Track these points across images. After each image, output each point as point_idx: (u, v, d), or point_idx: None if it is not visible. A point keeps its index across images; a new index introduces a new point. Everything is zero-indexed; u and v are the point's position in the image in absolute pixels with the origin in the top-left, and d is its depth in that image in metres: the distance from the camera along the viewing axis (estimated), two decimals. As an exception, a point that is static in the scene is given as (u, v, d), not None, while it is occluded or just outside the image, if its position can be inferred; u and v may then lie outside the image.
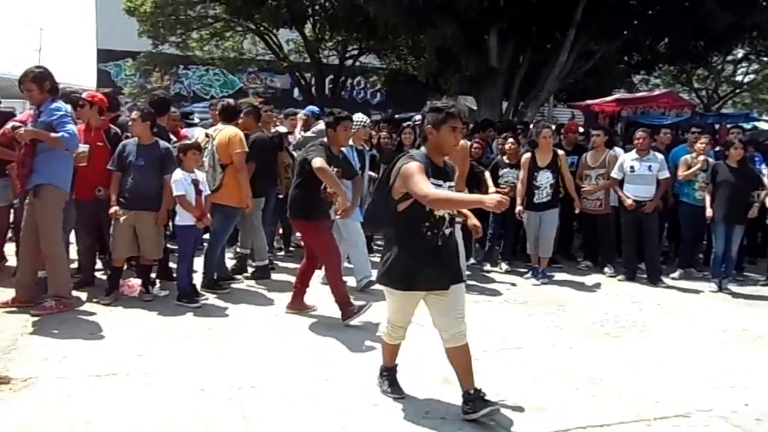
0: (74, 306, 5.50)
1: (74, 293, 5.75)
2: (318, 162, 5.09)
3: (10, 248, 6.64)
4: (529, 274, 7.69)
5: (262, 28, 20.82)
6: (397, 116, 17.41)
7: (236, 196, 6.27)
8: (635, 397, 4.29)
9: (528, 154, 7.73)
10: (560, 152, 7.73)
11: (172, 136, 6.91)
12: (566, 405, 4.12)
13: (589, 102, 14.87)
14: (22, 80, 5.30)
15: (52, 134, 5.12)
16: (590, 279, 7.81)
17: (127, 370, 4.28)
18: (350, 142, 7.95)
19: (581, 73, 15.77)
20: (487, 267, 8.05)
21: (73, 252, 6.40)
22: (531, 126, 8.84)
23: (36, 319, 5.16)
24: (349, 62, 23.41)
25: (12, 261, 6.36)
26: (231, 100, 6.96)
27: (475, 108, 17.02)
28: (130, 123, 6.04)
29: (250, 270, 7.10)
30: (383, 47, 20.92)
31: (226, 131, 6.26)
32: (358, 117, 6.87)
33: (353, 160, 6.41)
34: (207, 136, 6.34)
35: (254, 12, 18.63)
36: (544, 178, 7.52)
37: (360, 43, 21.56)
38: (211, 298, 6.09)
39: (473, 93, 16.19)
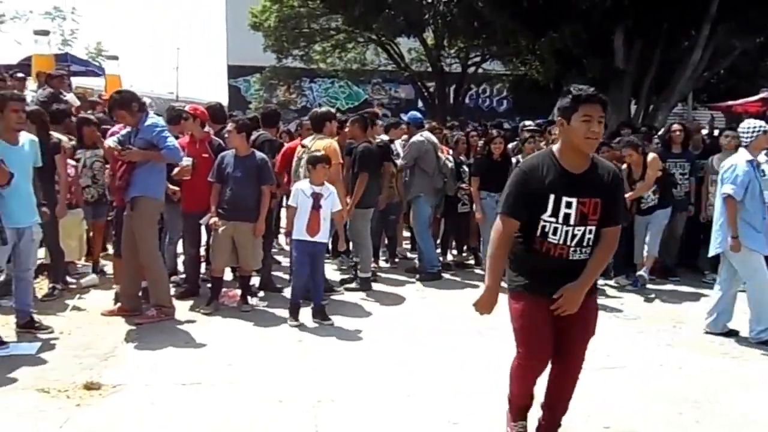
0: (174, 314, 5.68)
1: (179, 302, 5.97)
2: None
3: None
4: (635, 286, 7.17)
5: (382, 38, 21.04)
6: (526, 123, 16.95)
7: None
8: (745, 425, 3.84)
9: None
10: (651, 155, 7.28)
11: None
12: (663, 430, 3.74)
13: (730, 103, 13.72)
14: (111, 109, 5.57)
15: (157, 153, 5.36)
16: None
17: (213, 379, 4.34)
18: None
19: (721, 73, 14.56)
20: (601, 281, 7.51)
21: (180, 263, 6.66)
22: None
23: (137, 328, 5.37)
24: (472, 69, 23.11)
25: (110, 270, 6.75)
26: (318, 110, 6.95)
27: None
28: (226, 135, 6.17)
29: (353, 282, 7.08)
30: (506, 53, 20.48)
31: (320, 142, 6.25)
32: None
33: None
34: (303, 146, 6.38)
35: (372, 22, 18.85)
36: None
37: (482, 50, 21.23)
38: (305, 310, 6.07)
39: (599, 96, 15.43)
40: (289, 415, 3.85)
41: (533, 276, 3.22)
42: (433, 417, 3.86)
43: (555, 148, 3.21)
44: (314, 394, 4.14)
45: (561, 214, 3.09)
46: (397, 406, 4.00)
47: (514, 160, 7.52)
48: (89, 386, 4.11)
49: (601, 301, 6.63)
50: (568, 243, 3.12)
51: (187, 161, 5.99)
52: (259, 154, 6.07)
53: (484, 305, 3.24)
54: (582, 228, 3.11)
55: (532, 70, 20.52)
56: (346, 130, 7.40)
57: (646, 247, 7.20)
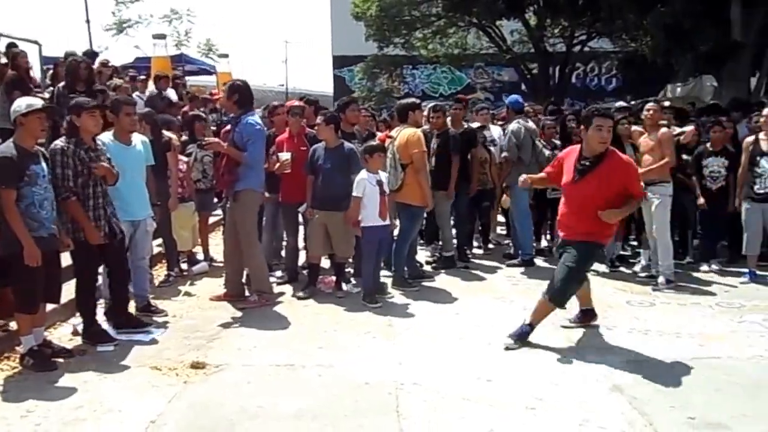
0: (275, 300, 6.05)
1: (278, 288, 6.35)
2: None
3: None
4: (745, 278, 6.78)
5: (483, 22, 20.84)
6: (632, 102, 16.33)
7: (418, 195, 6.43)
8: None
9: (750, 138, 6.86)
10: (662, 131, 6.64)
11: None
12: (752, 424, 3.66)
13: None
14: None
15: (239, 152, 5.74)
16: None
17: (304, 361, 4.63)
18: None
19: None
20: (705, 267, 7.24)
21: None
22: None
23: (240, 312, 5.77)
24: (578, 48, 22.42)
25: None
26: (404, 101, 7.13)
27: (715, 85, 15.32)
28: (316, 128, 6.43)
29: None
30: (613, 29, 19.73)
31: (405, 132, 6.44)
32: None
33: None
34: (389, 137, 6.58)
35: (472, 6, 18.71)
36: None
37: (587, 28, 20.57)
38: (397, 295, 6.32)
39: (712, 71, 14.61)
40: (373, 396, 4.06)
41: None
42: (512, 402, 3.94)
43: None
44: (398, 376, 4.33)
45: None
46: (477, 391, 4.11)
47: None
48: (195, 365, 4.52)
49: (704, 288, 6.51)
50: None
51: (286, 156, 6.34)
52: (347, 145, 6.28)
53: None
54: None
55: (642, 45, 19.66)
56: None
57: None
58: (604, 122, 4.66)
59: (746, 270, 6.86)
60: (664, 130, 6.60)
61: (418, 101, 7.10)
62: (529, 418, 3.76)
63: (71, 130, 4.90)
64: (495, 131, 8.35)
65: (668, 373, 4.39)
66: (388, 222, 6.16)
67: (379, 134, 7.42)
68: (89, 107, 4.92)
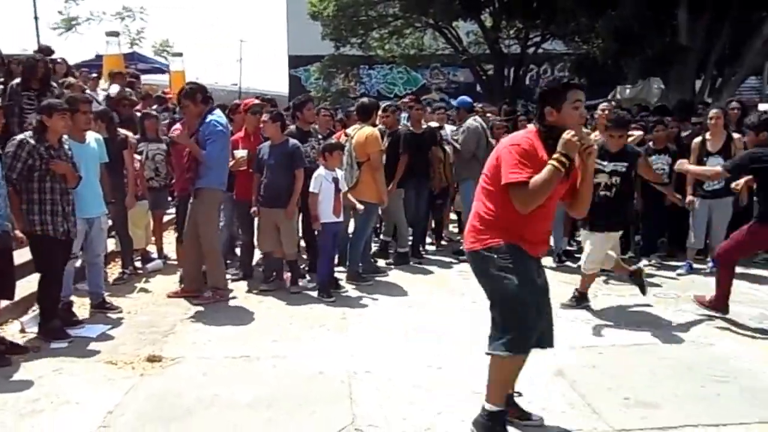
0: (228, 296, 6.15)
1: (233, 285, 6.44)
2: None
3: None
4: (682, 270, 7.14)
5: (439, 23, 21.09)
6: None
7: (374, 192, 6.60)
8: (766, 400, 3.96)
9: (698, 138, 7.26)
10: (736, 136, 7.09)
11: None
12: (681, 402, 3.93)
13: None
14: (179, 99, 6.02)
15: (198, 150, 5.83)
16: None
17: (259, 353, 4.75)
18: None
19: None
20: (645, 261, 7.55)
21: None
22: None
23: (195, 308, 5.85)
24: (532, 50, 22.86)
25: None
26: (366, 99, 7.31)
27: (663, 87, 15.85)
28: (262, 125, 6.51)
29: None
30: (566, 32, 20.18)
31: (363, 131, 6.62)
32: None
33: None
34: (346, 135, 6.73)
35: (428, 6, 18.94)
36: (714, 165, 6.92)
37: (541, 30, 21.01)
38: (351, 290, 6.48)
39: (659, 74, 15.13)
40: (327, 384, 4.20)
41: None
42: (460, 387, 4.12)
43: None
44: (351, 366, 4.48)
45: None
46: (427, 378, 4.29)
47: None
48: (151, 359, 4.59)
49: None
50: None
51: (242, 153, 6.43)
52: (292, 141, 6.36)
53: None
54: None
55: (594, 48, 20.17)
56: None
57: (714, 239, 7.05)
58: (581, 96, 3.37)
59: (684, 263, 7.21)
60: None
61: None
62: (476, 402, 3.91)
63: (39, 129, 4.93)
64: (449, 130, 8.55)
65: (608, 358, 4.66)
66: (342, 219, 6.33)
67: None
68: (61, 109, 4.97)
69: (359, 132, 6.66)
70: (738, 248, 5.52)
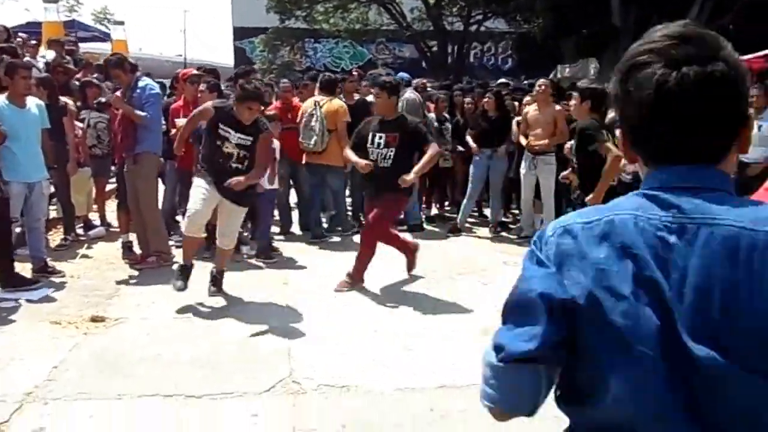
0: (172, 261, 6.27)
1: (177, 251, 6.56)
2: None
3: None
4: None
5: (384, -2, 21.24)
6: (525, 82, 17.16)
7: (340, 158, 6.85)
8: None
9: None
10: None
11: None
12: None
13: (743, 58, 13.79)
14: (109, 70, 6.08)
15: (138, 113, 5.88)
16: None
17: (202, 314, 4.94)
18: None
19: (728, 26, 14.55)
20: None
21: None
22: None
23: (138, 272, 5.98)
24: (474, 27, 23.24)
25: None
26: (330, 75, 7.83)
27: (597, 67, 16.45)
28: (199, 95, 6.55)
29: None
30: (507, 10, 20.61)
31: (334, 102, 7.21)
32: None
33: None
34: (315, 103, 7.15)
35: (373, -19, 19.05)
36: None
37: (483, 8, 21.37)
38: (294, 252, 6.78)
39: (593, 54, 15.68)
40: (267, 343, 4.42)
41: None
42: (391, 341, 4.42)
43: None
44: (291, 328, 4.69)
45: None
46: (365, 341, 4.52)
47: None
48: (95, 319, 4.73)
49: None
50: None
51: (182, 122, 6.50)
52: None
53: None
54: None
55: (534, 27, 20.66)
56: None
57: None
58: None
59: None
60: (559, 108, 7.27)
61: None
62: (406, 353, 4.25)
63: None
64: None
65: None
66: (276, 185, 6.67)
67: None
68: None
69: (329, 103, 7.19)
70: None
